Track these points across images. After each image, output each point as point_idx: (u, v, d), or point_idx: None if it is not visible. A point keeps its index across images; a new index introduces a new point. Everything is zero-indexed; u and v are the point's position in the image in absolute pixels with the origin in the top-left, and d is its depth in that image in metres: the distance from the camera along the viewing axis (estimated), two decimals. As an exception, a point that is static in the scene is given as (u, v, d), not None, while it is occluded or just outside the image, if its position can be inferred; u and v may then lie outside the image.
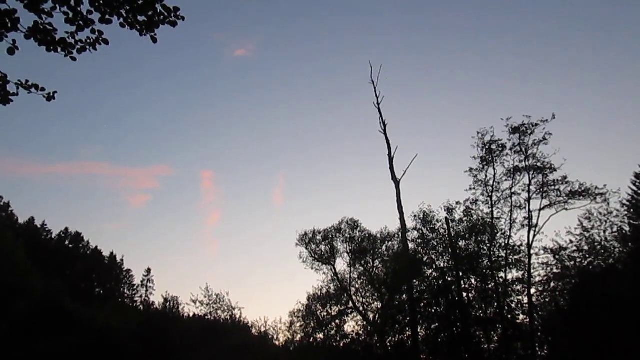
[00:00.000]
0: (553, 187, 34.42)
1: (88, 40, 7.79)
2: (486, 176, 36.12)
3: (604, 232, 33.09)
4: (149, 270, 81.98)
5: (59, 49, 7.76)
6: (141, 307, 67.43)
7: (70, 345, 38.55)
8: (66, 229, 79.24)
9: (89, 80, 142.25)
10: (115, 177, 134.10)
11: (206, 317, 40.36)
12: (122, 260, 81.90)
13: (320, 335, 37.85)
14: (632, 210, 36.25)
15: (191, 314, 44.78)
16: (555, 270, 34.27)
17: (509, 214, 35.37)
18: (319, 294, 38.48)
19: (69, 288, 53.92)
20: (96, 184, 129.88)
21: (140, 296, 79.23)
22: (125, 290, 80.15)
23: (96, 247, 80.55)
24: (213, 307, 39.54)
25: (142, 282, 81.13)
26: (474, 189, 36.42)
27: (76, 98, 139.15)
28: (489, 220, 35.73)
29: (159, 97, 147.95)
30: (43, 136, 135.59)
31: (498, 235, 35.62)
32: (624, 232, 33.90)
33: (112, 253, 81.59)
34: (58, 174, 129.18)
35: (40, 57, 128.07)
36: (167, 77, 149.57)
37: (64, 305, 43.49)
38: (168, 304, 46.67)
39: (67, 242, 78.64)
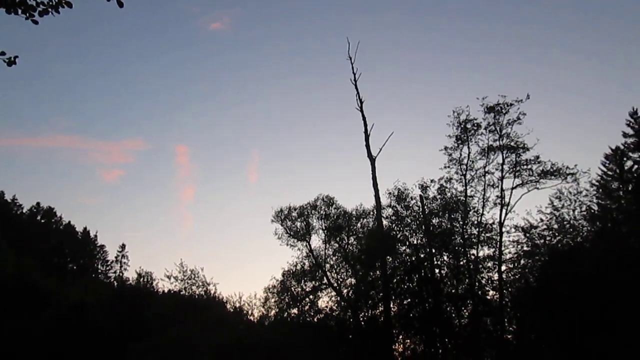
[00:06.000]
0: (525, 167, 34.98)
1: (50, 3, 7.53)
2: (461, 155, 36.51)
3: (573, 211, 33.89)
4: (123, 246, 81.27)
5: (20, 11, 7.50)
6: (115, 282, 67.04)
7: (43, 321, 38.19)
8: (38, 203, 78.07)
9: (58, 49, 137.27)
10: (88, 151, 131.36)
11: (181, 293, 40.25)
12: (95, 235, 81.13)
13: (295, 311, 38.23)
14: (600, 190, 37.13)
15: (166, 290, 44.55)
16: (525, 248, 35.03)
17: (482, 193, 35.94)
18: (294, 270, 38.72)
19: (41, 263, 53.31)
20: (68, 158, 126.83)
21: (115, 272, 78.64)
22: (99, 266, 79.46)
23: (69, 222, 79.61)
24: (187, 283, 39.36)
25: (116, 257, 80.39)
26: (449, 167, 36.80)
27: (44, 68, 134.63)
28: (462, 198, 36.23)
29: (131, 69, 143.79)
30: (11, 107, 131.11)
31: (471, 213, 36.20)
32: (592, 211, 34.76)
33: (85, 228, 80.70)
34: (28, 147, 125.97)
35: (1, 20, 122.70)
36: (140, 48, 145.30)
37: (36, 281, 42.97)
38: (142, 279, 46.47)
39: (39, 217, 77.49)
